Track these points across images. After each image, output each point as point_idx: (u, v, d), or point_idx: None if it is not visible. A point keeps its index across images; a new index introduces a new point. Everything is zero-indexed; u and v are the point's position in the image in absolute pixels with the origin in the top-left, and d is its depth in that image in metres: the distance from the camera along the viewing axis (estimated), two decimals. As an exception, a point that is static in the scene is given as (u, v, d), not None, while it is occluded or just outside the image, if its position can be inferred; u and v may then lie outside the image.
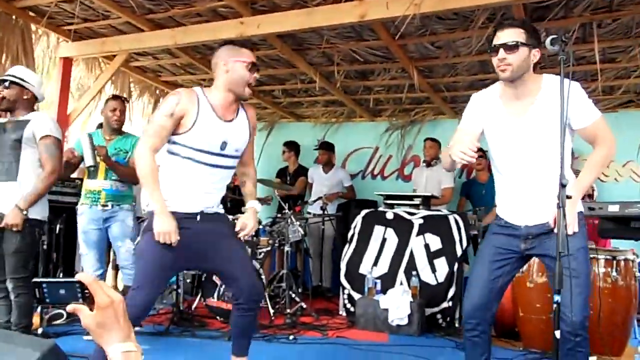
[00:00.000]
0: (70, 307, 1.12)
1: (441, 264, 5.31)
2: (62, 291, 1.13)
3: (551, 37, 2.38)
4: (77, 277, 1.15)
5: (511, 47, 2.54)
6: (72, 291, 1.14)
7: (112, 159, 4.34)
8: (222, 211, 3.10)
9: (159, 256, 2.77)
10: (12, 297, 3.65)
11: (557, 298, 2.26)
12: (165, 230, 2.70)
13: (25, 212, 3.57)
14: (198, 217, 2.90)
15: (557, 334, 2.25)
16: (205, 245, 2.91)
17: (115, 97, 4.71)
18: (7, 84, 3.77)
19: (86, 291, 1.13)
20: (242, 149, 3.06)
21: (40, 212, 3.79)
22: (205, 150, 2.87)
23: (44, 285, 1.13)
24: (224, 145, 2.91)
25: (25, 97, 3.83)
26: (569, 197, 2.28)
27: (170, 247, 2.73)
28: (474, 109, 2.85)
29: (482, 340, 2.73)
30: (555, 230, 2.33)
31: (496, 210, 2.89)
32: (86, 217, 4.43)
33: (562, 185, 2.26)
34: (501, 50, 2.56)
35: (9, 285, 3.65)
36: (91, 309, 1.10)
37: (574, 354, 2.43)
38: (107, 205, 4.41)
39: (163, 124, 2.79)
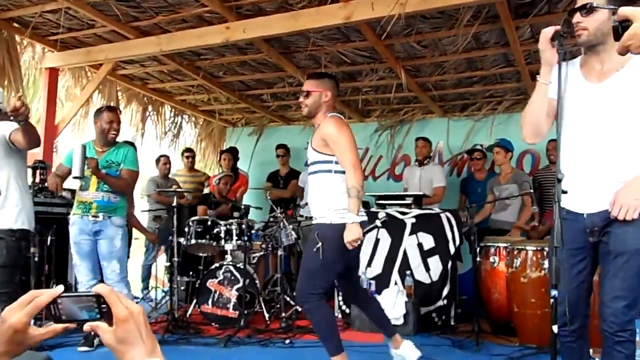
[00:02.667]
0: (87, 326, 1.02)
1: (435, 262, 5.31)
2: (78, 306, 1.03)
3: (551, 33, 2.34)
4: (95, 290, 1.03)
5: (588, 11, 2.38)
6: (88, 307, 1.03)
7: (102, 172, 4.30)
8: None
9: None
10: None
11: (554, 293, 2.17)
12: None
13: (28, 114, 3.38)
14: None
15: (555, 328, 2.19)
16: None
17: (110, 109, 4.64)
18: None
19: (103, 306, 1.02)
20: (311, 157, 3.59)
21: (26, 223, 3.74)
22: None
23: (59, 301, 1.03)
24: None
25: None
26: (564, 192, 2.19)
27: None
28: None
29: (578, 346, 2.55)
30: (614, 214, 2.26)
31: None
32: (77, 228, 4.39)
33: (558, 180, 2.18)
34: (577, 14, 2.41)
35: None
36: (109, 325, 1.01)
37: (611, 352, 2.34)
38: (97, 216, 4.37)
39: None
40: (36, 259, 4.67)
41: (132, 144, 5.40)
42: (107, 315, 1.01)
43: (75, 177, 4.20)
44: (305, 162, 8.35)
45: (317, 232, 3.42)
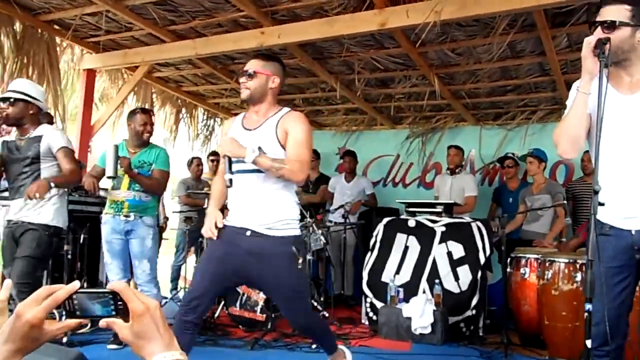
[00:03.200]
0: (103, 322, 1.03)
1: (464, 271, 5.26)
2: (94, 302, 1.05)
3: (593, 43, 2.24)
4: (109, 287, 1.05)
5: (609, 26, 2.31)
6: (104, 303, 1.05)
7: (134, 171, 4.38)
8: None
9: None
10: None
11: (588, 307, 2.13)
12: None
13: (52, 185, 3.61)
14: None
15: (588, 343, 2.12)
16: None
17: (144, 111, 4.72)
18: (11, 100, 3.79)
19: (119, 303, 1.03)
20: (272, 152, 2.98)
21: (60, 221, 3.87)
22: None
23: (74, 297, 1.03)
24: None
25: (31, 111, 3.87)
26: (601, 205, 2.09)
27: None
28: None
29: None
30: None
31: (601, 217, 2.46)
32: (109, 227, 4.47)
33: (595, 192, 2.08)
34: (599, 29, 2.33)
35: (13, 291, 3.59)
36: (125, 322, 1.02)
37: None
38: (129, 216, 4.44)
39: None
40: (69, 256, 4.76)
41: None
42: (122, 312, 1.02)
43: (109, 177, 4.29)
44: (338, 167, 8.43)
45: (294, 246, 2.94)
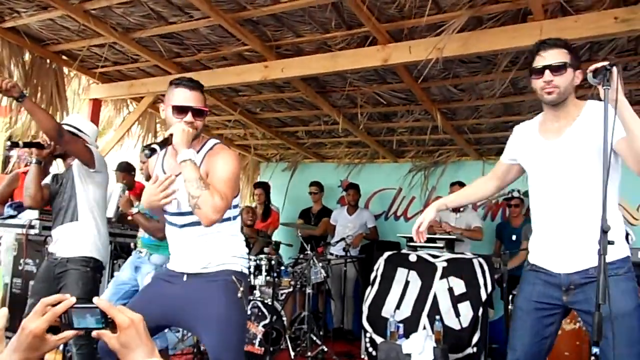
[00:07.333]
0: (94, 334, 1.20)
1: (465, 308, 5.20)
2: (88, 316, 1.20)
3: (593, 67, 2.15)
4: (95, 302, 1.21)
5: (558, 68, 2.37)
6: (96, 317, 1.21)
7: (136, 215, 4.11)
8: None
9: None
10: (73, 349, 3.53)
11: (595, 350, 2.14)
12: None
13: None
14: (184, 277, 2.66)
15: None
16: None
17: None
18: None
19: (109, 317, 1.20)
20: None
21: (102, 254, 3.72)
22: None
23: (70, 311, 1.20)
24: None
25: None
26: (611, 243, 1.97)
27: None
28: (512, 141, 2.77)
29: None
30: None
31: (529, 256, 2.63)
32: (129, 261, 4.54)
33: (604, 232, 1.96)
34: (547, 72, 2.37)
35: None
36: (113, 333, 1.19)
37: None
38: (142, 252, 4.42)
39: None
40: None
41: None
42: (112, 325, 1.20)
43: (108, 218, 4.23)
44: (340, 199, 8.43)
45: (234, 276, 2.58)
